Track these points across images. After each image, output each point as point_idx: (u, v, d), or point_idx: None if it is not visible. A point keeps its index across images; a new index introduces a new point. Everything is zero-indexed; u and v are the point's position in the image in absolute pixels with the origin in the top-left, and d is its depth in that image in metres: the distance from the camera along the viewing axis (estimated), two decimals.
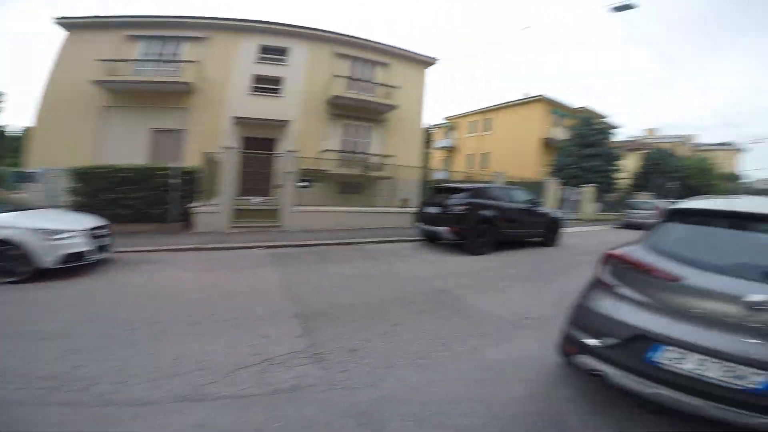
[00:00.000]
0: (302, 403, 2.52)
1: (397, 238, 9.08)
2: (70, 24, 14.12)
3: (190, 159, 9.91)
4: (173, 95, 13.88)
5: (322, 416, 2.40)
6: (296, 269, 6.15)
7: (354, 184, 10.36)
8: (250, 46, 15.21)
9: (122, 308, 4.26)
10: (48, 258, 5.21)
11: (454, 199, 8.07)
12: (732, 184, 32.19)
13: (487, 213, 8.10)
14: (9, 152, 23.85)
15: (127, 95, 13.64)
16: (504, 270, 6.81)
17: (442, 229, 8.04)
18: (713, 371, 2.03)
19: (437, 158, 34.28)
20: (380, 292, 5.09)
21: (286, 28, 15.62)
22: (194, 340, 3.44)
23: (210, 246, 7.50)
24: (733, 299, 2.03)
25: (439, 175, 22.31)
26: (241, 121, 14.37)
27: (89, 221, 6.07)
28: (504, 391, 2.77)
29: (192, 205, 8.80)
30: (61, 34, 14.20)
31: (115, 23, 14.16)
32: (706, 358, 2.05)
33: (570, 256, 8.57)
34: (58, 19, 14.00)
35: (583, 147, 21.61)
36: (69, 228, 5.56)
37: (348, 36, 16.34)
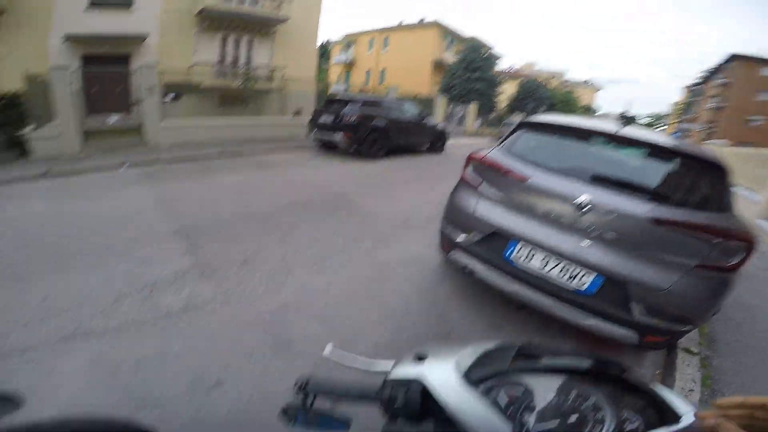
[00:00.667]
0: (201, 321, 2.39)
1: (291, 147, 8.83)
2: None
3: (7, 83, 7.81)
4: None
5: (226, 331, 2.29)
6: (172, 185, 5.55)
7: (236, 97, 9.48)
8: None
9: None
10: None
11: (349, 108, 8.23)
12: (589, 115, 38.20)
13: (379, 123, 8.48)
14: None
15: None
16: (395, 174, 7.13)
17: (337, 135, 8.20)
18: (554, 270, 2.10)
19: (335, 73, 34.87)
20: (274, 201, 4.84)
21: None
22: (61, 278, 2.90)
23: (60, 172, 6.21)
24: (566, 199, 2.08)
25: (337, 89, 22.15)
26: (77, 39, 11.64)
27: None
28: (396, 289, 2.92)
29: (24, 131, 7.04)
30: None
31: None
32: (548, 256, 2.11)
33: (453, 162, 9.21)
34: None
35: (470, 71, 23.36)
36: None
37: None
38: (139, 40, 12.60)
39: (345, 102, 8.52)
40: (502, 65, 28.78)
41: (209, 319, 2.41)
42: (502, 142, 2.70)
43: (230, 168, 6.67)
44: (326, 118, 8.52)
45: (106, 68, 8.88)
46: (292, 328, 2.35)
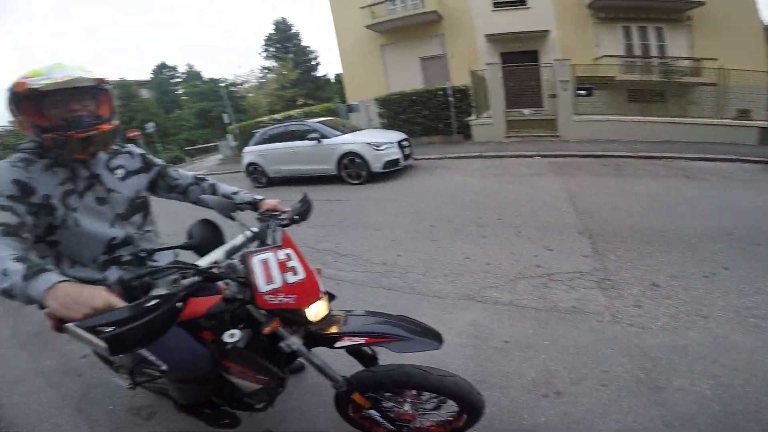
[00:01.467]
0: (577, 328, 2.31)
1: (731, 157, 6.62)
2: None
3: (458, 79, 10.57)
4: (427, 25, 14.77)
5: (595, 347, 2.14)
6: (581, 180, 5.69)
7: (652, 92, 8.50)
8: None
9: (426, 206, 5.14)
10: (376, 164, 6.93)
11: None
12: None
13: None
14: (334, 93, 32.21)
15: (393, 32, 15.47)
16: None
17: None
18: None
19: None
20: (704, 221, 3.85)
21: None
22: (483, 242, 3.71)
23: (489, 154, 8.04)
24: None
25: None
26: (493, 38, 14.06)
27: (396, 135, 7.56)
28: None
29: (468, 118, 9.62)
30: None
31: None
32: None
33: None
34: None
35: None
36: (386, 140, 7.14)
37: None
38: (542, 35, 13.64)
39: None
40: None
41: (589, 329, 2.30)
42: None
43: (645, 172, 6.09)
44: None
45: (518, 64, 10.21)
46: (673, 377, 1.88)
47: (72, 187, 1.20)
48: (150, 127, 18.64)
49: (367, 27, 15.29)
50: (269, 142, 8.23)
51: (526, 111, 10.06)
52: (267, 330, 1.07)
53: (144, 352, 1.25)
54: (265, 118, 14.74)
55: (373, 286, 3.12)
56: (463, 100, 9.63)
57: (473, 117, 9.63)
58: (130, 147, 1.47)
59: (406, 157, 7.36)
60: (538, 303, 2.60)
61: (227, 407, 1.53)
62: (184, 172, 1.61)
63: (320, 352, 1.23)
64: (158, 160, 1.55)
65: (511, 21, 13.84)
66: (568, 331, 2.30)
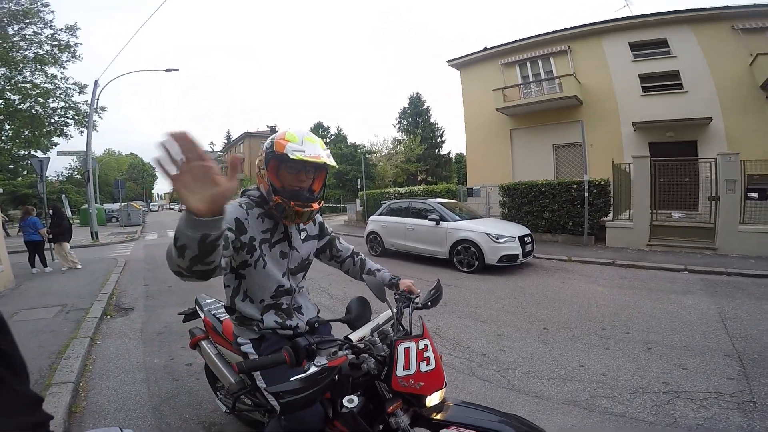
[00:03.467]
0: None
1: None
2: (458, 64, 17.79)
3: (596, 171, 9.79)
4: (564, 110, 14.41)
5: None
6: (741, 303, 4.77)
7: None
8: (617, 47, 13.86)
9: (540, 308, 4.81)
10: (492, 256, 6.70)
11: None
12: None
13: None
14: (453, 172, 33.52)
15: (525, 117, 15.43)
16: None
17: None
18: None
19: None
20: None
21: (647, 19, 13.27)
22: (603, 354, 3.42)
23: (624, 263, 7.08)
24: None
25: None
26: (641, 126, 12.89)
27: (518, 229, 7.29)
28: None
29: (604, 218, 8.71)
30: (455, 73, 18.10)
31: (486, 56, 16.75)
32: None
33: None
34: (449, 61, 18.02)
35: None
36: (507, 234, 6.90)
37: (745, 7, 11.61)
38: (702, 124, 12.04)
39: None
40: None
41: None
42: None
43: None
44: None
45: (672, 158, 8.98)
46: None
47: (269, 237, 1.45)
48: None
49: (498, 110, 15.51)
50: (392, 215, 8.79)
51: (676, 214, 8.64)
52: (391, 409, 1.20)
53: (262, 384, 1.44)
54: (390, 190, 15.86)
55: (468, 374, 3.10)
56: (600, 197, 8.79)
57: (610, 217, 8.66)
58: (317, 215, 1.69)
59: (526, 254, 6.99)
60: (656, 417, 2.45)
61: None
62: (346, 245, 1.85)
63: None
64: (330, 230, 1.80)
65: (665, 107, 12.75)
66: None
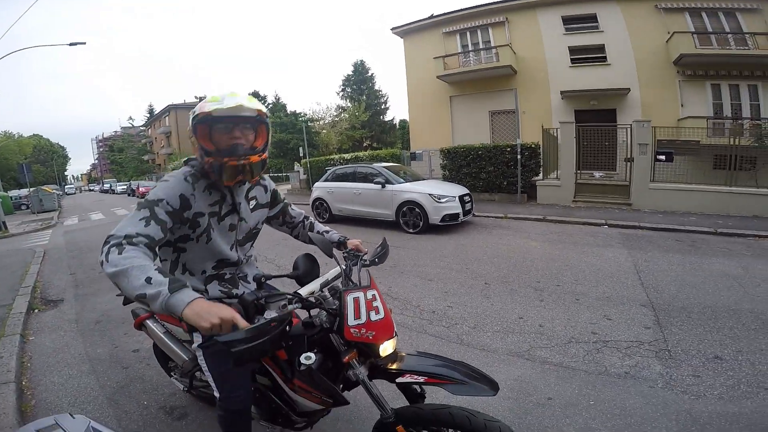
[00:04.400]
0: (627, 392, 2.33)
1: None
2: (402, 32, 17.84)
3: (527, 136, 10.51)
4: (500, 79, 14.99)
5: (642, 410, 2.16)
6: (652, 255, 5.34)
7: (742, 159, 7.68)
8: (551, 20, 14.54)
9: (481, 264, 5.14)
10: (435, 216, 6.99)
11: None
12: None
13: None
14: (397, 138, 33.63)
15: (463, 84, 15.85)
16: None
17: None
18: None
19: None
20: None
21: None
22: (539, 305, 3.69)
23: (553, 218, 7.76)
24: None
25: None
26: (569, 95, 13.89)
27: (458, 189, 7.62)
28: None
29: (534, 178, 9.41)
30: (399, 41, 18.15)
31: (429, 24, 16.85)
32: None
33: None
34: (393, 29, 17.98)
35: None
36: (448, 194, 7.21)
37: None
38: (621, 94, 13.24)
39: None
40: None
41: (638, 393, 2.31)
42: None
43: (724, 250, 5.60)
44: None
45: (594, 124, 9.92)
46: None
47: (218, 210, 1.38)
48: None
49: (438, 77, 15.77)
50: (337, 181, 8.73)
51: (597, 174, 9.62)
52: (347, 359, 1.24)
53: (205, 374, 1.45)
54: (335, 156, 15.65)
55: (419, 332, 3.25)
56: (531, 158, 9.46)
57: (540, 177, 9.40)
58: (267, 181, 1.64)
59: (466, 212, 7.38)
60: (588, 366, 2.63)
61: (265, 422, 1.68)
62: (299, 210, 1.84)
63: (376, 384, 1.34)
64: (282, 197, 1.75)
65: (589, 78, 13.76)
66: (615, 394, 2.31)
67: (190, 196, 1.28)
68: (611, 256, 5.37)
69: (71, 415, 0.98)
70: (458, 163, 10.25)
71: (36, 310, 4.52)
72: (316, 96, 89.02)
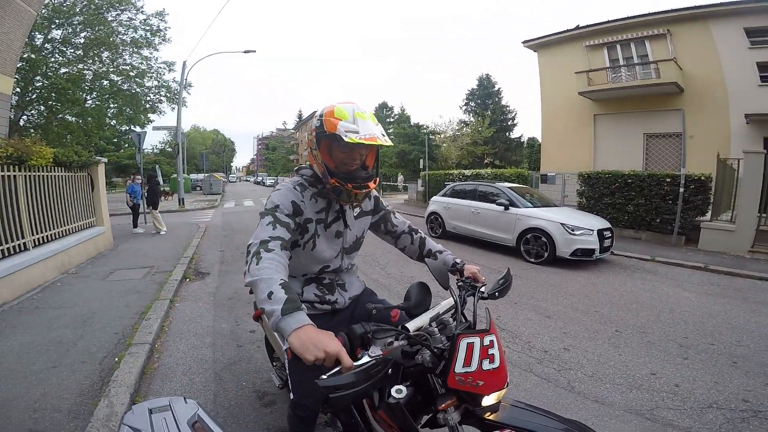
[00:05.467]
0: None
1: None
2: (535, 45, 16.49)
3: (693, 166, 8.62)
4: (660, 97, 13.03)
5: None
6: None
7: None
8: (730, 32, 12.10)
9: (614, 309, 4.43)
10: (565, 249, 6.26)
11: None
12: None
13: None
14: (523, 157, 32.03)
15: (613, 102, 14.11)
16: None
17: None
18: None
19: None
20: None
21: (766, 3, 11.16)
22: (680, 363, 3.12)
23: (719, 269, 6.24)
24: None
25: None
26: (757, 119, 11.23)
27: (597, 222, 6.70)
28: None
29: (699, 218, 7.73)
30: (532, 54, 16.80)
31: (568, 37, 15.33)
32: None
33: None
34: (524, 42, 16.74)
35: None
36: (584, 226, 6.38)
37: None
38: None
39: None
40: None
41: None
42: None
43: None
44: None
45: None
46: None
47: (324, 217, 1.42)
48: None
49: (581, 93, 14.43)
50: (456, 197, 8.57)
51: None
52: (443, 406, 1.10)
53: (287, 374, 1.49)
54: (454, 172, 15.50)
55: (524, 370, 2.97)
56: (697, 193, 7.76)
57: (707, 217, 7.64)
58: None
59: (604, 249, 6.47)
60: None
61: None
62: (402, 219, 1.76)
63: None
64: (385, 204, 1.72)
65: None
66: None
67: (300, 202, 1.34)
68: None
69: (185, 400, 1.07)
70: (600, 191, 9.00)
71: (187, 279, 5.45)
72: (439, 109, 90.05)
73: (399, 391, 1.06)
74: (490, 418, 1.15)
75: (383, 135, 1.28)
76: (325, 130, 1.26)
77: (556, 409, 2.45)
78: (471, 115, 31.69)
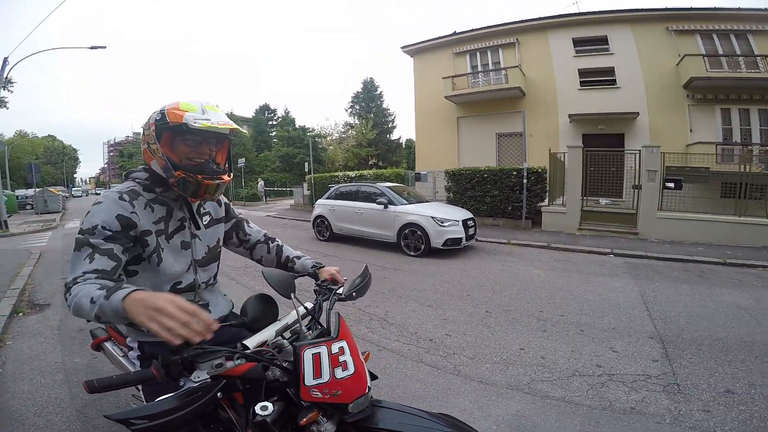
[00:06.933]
0: (632, 428, 2.25)
1: None
2: (412, 50, 17.88)
3: (534, 159, 10.32)
4: (508, 101, 14.92)
5: None
6: (660, 286, 5.20)
7: (752, 187, 7.41)
8: (561, 42, 14.50)
9: (483, 291, 5.00)
10: (437, 240, 6.84)
11: None
12: None
13: None
14: (402, 157, 33.73)
15: (471, 105, 15.82)
16: None
17: None
18: None
19: None
20: None
21: (591, 16, 14.00)
22: (541, 336, 3.57)
23: (558, 246, 7.57)
24: None
25: None
26: (577, 118, 13.77)
27: (462, 213, 7.48)
28: None
29: (540, 203, 9.24)
30: (409, 60, 18.16)
31: (439, 44, 16.94)
32: None
33: None
34: (403, 47, 18.01)
35: None
36: (451, 218, 7.07)
37: (682, 9, 12.77)
38: (630, 118, 13.10)
39: None
40: None
41: (646, 431, 2.23)
42: None
43: (734, 281, 5.45)
44: None
45: (602, 149, 9.69)
46: None
47: (164, 228, 1.24)
48: (241, 162, 20.76)
49: (447, 97, 15.75)
50: (340, 199, 8.64)
51: (603, 201, 9.41)
52: (304, 421, 1.01)
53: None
54: (339, 174, 15.62)
55: (416, 360, 3.12)
56: (537, 183, 9.31)
57: (546, 203, 9.22)
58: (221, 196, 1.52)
59: (469, 237, 7.22)
60: (591, 401, 2.53)
61: None
62: (257, 228, 1.64)
63: None
64: (237, 213, 1.60)
65: (598, 101, 13.64)
66: (620, 430, 2.24)
67: (130, 214, 1.14)
68: (617, 286, 5.22)
69: None
70: (463, 186, 10.13)
71: (20, 314, 4.42)
72: (325, 111, 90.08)
73: (264, 408, 0.97)
74: (366, 424, 1.10)
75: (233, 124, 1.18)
76: (169, 122, 1.11)
77: (448, 394, 2.61)
78: (356, 117, 32.35)
